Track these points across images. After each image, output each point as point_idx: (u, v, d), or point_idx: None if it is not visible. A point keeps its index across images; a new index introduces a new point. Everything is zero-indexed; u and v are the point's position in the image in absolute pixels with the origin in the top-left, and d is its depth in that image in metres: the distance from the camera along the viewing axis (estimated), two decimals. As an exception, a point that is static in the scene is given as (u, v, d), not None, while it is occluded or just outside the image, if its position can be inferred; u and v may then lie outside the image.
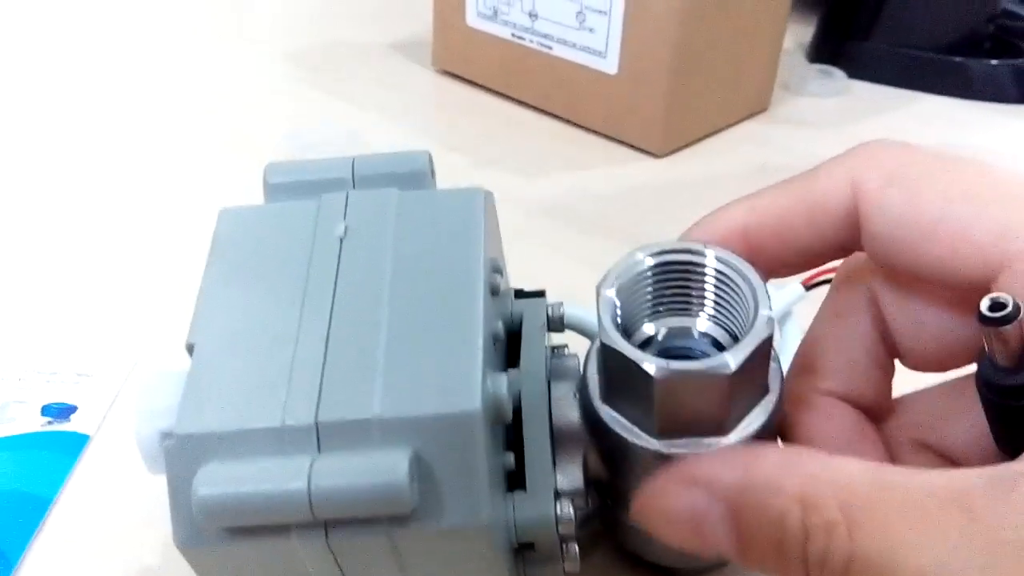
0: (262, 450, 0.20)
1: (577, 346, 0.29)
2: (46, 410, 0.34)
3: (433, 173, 0.26)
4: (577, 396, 0.25)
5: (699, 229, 0.24)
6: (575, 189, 0.50)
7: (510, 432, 0.25)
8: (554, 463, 0.25)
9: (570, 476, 0.25)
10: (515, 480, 0.24)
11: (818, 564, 0.18)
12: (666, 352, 0.25)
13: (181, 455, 0.21)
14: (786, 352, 0.35)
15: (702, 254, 0.24)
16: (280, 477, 0.20)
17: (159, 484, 0.21)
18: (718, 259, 0.24)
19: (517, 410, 0.24)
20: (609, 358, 0.23)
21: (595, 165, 0.52)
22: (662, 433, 0.23)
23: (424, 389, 0.21)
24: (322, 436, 0.20)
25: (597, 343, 0.24)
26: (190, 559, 0.21)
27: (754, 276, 0.23)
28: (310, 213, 0.24)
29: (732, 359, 0.22)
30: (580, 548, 0.26)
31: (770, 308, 0.23)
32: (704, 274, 0.24)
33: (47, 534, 0.31)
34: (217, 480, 0.20)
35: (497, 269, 0.25)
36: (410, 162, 0.26)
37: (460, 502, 0.20)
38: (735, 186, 0.26)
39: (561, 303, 0.28)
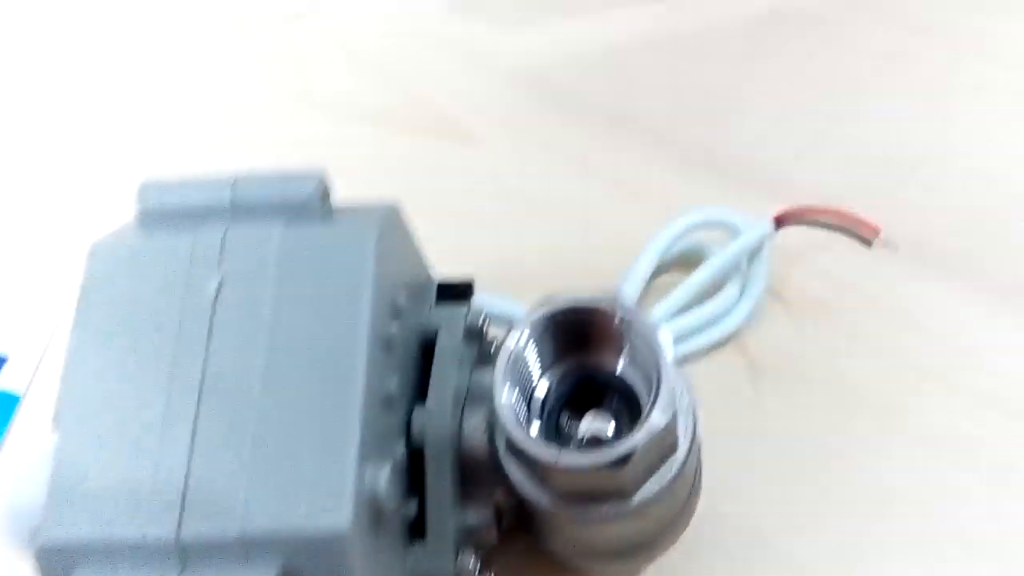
0: (127, 560, 0.20)
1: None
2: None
3: (327, 196, 0.23)
4: (486, 433, 0.24)
5: None
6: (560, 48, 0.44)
7: (415, 471, 0.24)
8: (461, 498, 0.24)
9: (479, 512, 0.24)
10: (417, 526, 0.23)
11: None
12: (576, 386, 0.24)
13: (50, 561, 0.20)
14: (752, 290, 0.33)
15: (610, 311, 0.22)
16: (140, 600, 0.19)
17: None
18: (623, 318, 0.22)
19: (421, 450, 0.23)
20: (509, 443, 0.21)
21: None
22: (561, 502, 0.22)
23: (292, 499, 0.19)
24: (186, 553, 0.19)
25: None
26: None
27: (653, 334, 0.21)
28: (183, 258, 0.22)
29: (623, 450, 0.20)
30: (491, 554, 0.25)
31: (673, 375, 0.21)
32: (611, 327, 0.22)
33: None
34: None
35: (397, 312, 0.23)
36: (298, 189, 0.23)
37: (334, 616, 0.20)
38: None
39: (481, 312, 0.26)
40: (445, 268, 0.29)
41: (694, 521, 0.27)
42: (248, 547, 0.19)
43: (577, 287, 0.33)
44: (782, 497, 0.30)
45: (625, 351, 0.22)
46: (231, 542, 0.19)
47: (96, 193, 0.40)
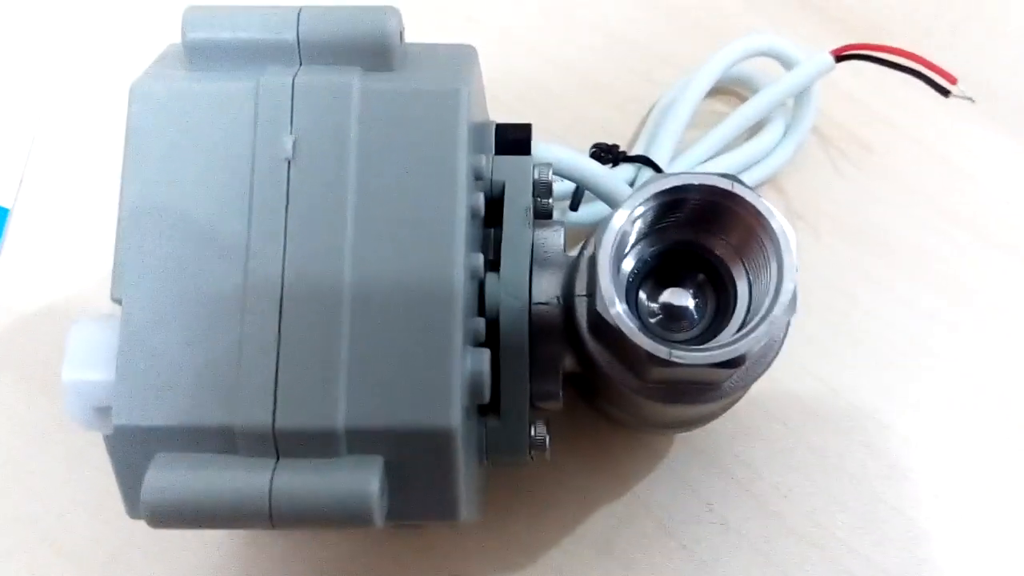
0: (214, 446, 0.18)
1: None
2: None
3: (403, 35, 0.20)
4: (560, 302, 0.23)
5: None
6: None
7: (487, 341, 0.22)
8: (531, 372, 0.23)
9: (547, 381, 0.23)
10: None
11: None
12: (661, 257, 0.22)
13: (123, 445, 0.19)
14: (798, 130, 0.32)
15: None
16: (239, 488, 0.18)
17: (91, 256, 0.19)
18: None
19: (495, 321, 0.22)
20: (608, 330, 0.20)
21: None
22: (652, 389, 0.21)
23: (394, 395, 0.18)
24: (280, 442, 0.18)
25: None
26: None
27: (785, 241, 0.20)
28: (247, 107, 0.19)
29: (736, 351, 0.19)
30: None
31: (791, 298, 0.19)
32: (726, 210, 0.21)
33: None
34: (168, 485, 0.18)
35: (479, 175, 0.21)
36: (374, 26, 0.20)
37: (434, 504, 0.19)
38: None
39: (549, 165, 0.24)
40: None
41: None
42: (350, 440, 0.18)
43: (625, 112, 0.31)
44: (808, 341, 0.30)
45: (741, 240, 0.21)
46: (332, 434, 0.18)
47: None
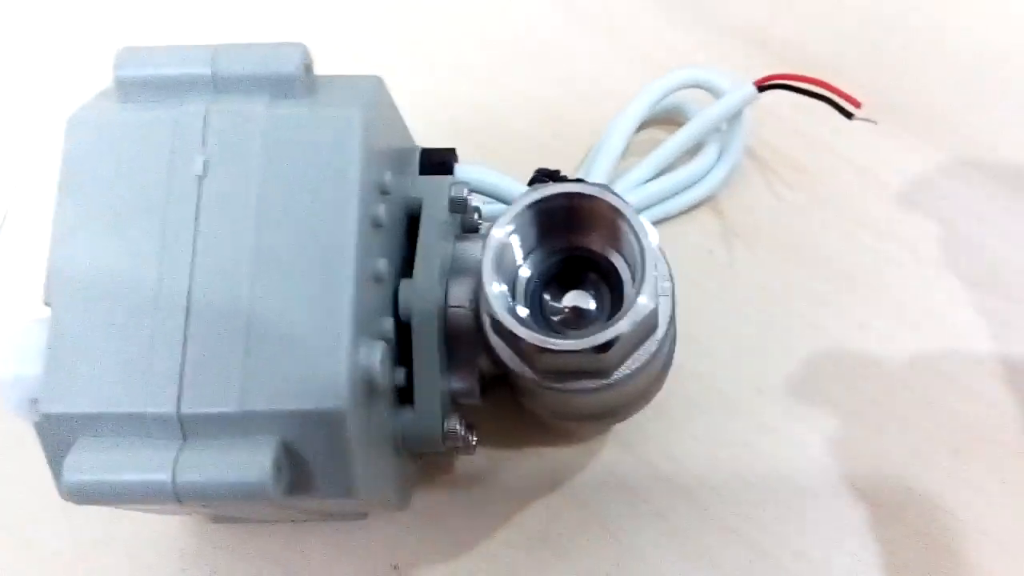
0: (129, 431, 0.20)
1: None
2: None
3: (311, 68, 0.23)
4: (471, 305, 0.25)
5: None
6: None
7: (402, 343, 0.24)
8: (449, 364, 0.25)
9: (464, 379, 0.25)
10: (405, 392, 0.24)
11: None
12: (559, 265, 0.24)
13: (51, 431, 0.21)
14: (731, 153, 0.33)
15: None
16: (145, 468, 0.20)
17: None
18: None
19: (409, 323, 0.24)
20: (492, 322, 0.22)
21: None
22: (543, 378, 0.23)
23: (288, 378, 0.20)
24: (186, 426, 0.20)
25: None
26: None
27: (639, 224, 0.21)
28: (166, 133, 0.22)
29: (609, 335, 0.21)
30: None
31: (658, 264, 0.21)
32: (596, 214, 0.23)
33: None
34: (84, 467, 0.20)
35: (384, 190, 0.23)
36: (282, 62, 0.22)
37: (332, 481, 0.21)
38: None
39: (465, 184, 0.26)
40: (419, 116, 0.28)
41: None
42: (247, 422, 0.20)
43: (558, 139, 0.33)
44: (750, 358, 0.31)
45: (609, 237, 0.23)
46: (231, 418, 0.20)
47: (59, 57, 0.39)
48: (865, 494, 0.29)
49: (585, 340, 0.21)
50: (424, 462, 0.28)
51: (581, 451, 0.30)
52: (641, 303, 0.21)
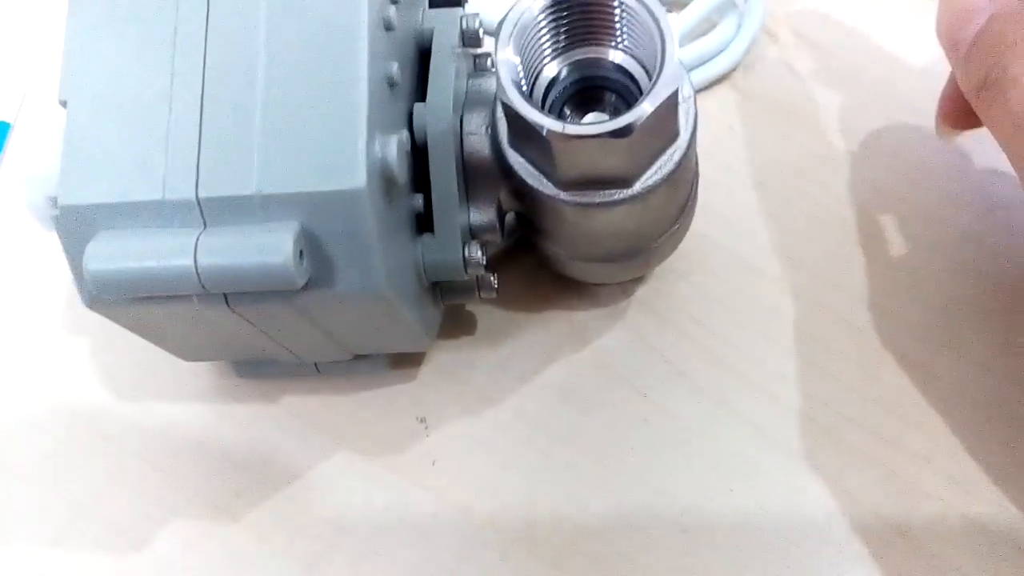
0: (149, 221, 0.20)
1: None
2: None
3: None
4: (488, 132, 0.24)
5: None
6: None
7: (419, 171, 0.24)
8: (467, 199, 0.25)
9: (484, 212, 0.25)
10: (425, 222, 0.24)
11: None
12: (577, 84, 0.24)
13: (70, 224, 0.21)
14: (747, 32, 0.33)
15: None
16: (167, 253, 0.20)
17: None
18: None
19: (425, 148, 0.24)
20: (510, 115, 0.22)
21: None
22: (566, 187, 0.23)
23: (306, 162, 0.20)
24: (205, 210, 0.20)
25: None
26: (102, 315, 0.22)
27: (659, 9, 0.21)
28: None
29: (635, 117, 0.20)
30: (498, 270, 0.27)
31: (677, 51, 0.21)
32: (606, 5, 0.22)
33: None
34: (106, 255, 0.20)
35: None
36: None
37: (353, 271, 0.21)
38: None
39: (477, 14, 0.26)
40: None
41: (684, 245, 0.28)
42: (267, 207, 0.20)
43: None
44: (765, 225, 0.31)
45: (627, 36, 0.22)
46: (250, 201, 0.20)
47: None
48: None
49: (605, 124, 0.20)
50: (448, 309, 0.28)
51: (605, 313, 0.30)
52: (660, 88, 0.20)
